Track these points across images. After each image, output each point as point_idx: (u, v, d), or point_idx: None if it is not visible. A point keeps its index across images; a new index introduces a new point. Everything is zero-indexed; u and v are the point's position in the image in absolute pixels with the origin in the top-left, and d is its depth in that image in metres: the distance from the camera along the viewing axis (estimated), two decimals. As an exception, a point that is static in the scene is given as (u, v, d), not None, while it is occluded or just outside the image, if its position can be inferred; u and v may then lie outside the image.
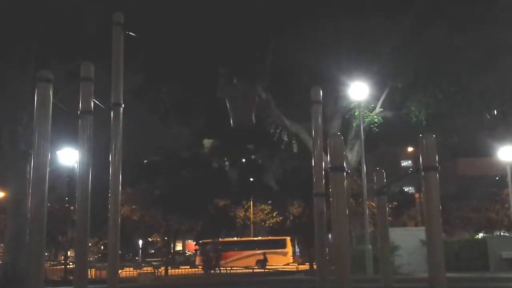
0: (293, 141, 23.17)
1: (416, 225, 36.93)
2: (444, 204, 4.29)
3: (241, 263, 34.03)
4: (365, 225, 17.86)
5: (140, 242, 59.69)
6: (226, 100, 6.81)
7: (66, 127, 15.12)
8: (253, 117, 6.76)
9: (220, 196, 40.80)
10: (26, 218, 5.17)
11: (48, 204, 4.76)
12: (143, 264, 41.85)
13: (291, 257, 39.27)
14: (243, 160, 48.89)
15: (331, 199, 4.02)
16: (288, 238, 40.76)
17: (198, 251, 42.73)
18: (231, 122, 6.62)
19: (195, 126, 26.64)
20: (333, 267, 3.99)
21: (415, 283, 12.44)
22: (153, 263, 39.49)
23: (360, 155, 19.43)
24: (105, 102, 5.59)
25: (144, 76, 21.12)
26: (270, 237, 40.48)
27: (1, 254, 18.80)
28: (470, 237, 27.47)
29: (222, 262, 32.47)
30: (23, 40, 14.85)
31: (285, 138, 23.06)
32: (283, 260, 36.10)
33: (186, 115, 24.19)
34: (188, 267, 38.18)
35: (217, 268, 30.79)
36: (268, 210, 43.88)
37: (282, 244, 38.68)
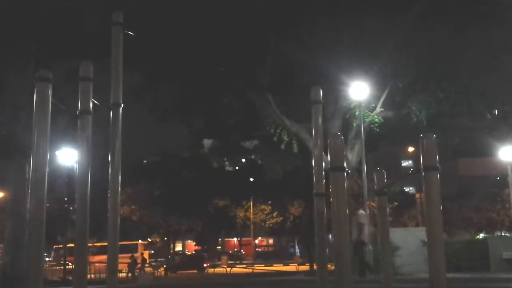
0: (293, 141, 23.12)
1: (416, 225, 36.93)
2: (444, 204, 4.26)
3: (101, 265, 34.74)
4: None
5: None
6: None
7: (65, 127, 15.10)
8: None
9: (219, 196, 40.81)
10: (26, 218, 5.15)
11: (48, 204, 4.73)
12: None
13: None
14: (243, 160, 48.94)
15: (331, 199, 3.99)
16: (139, 242, 42.21)
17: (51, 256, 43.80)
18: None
19: (195, 126, 26.62)
20: (333, 268, 3.97)
21: (416, 283, 12.42)
22: (152, 263, 39.66)
23: (360, 155, 19.39)
24: (104, 102, 5.56)
25: (144, 76, 21.09)
26: (123, 242, 42.22)
27: (1, 254, 18.77)
28: (470, 238, 27.43)
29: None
30: (23, 40, 14.84)
31: (285, 138, 23.02)
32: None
33: (186, 115, 24.19)
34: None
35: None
36: (268, 210, 43.93)
37: (134, 248, 39.88)
